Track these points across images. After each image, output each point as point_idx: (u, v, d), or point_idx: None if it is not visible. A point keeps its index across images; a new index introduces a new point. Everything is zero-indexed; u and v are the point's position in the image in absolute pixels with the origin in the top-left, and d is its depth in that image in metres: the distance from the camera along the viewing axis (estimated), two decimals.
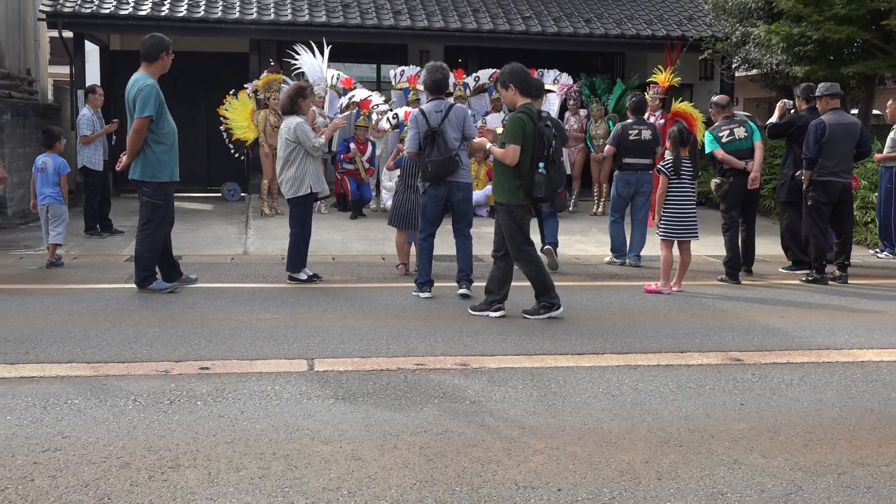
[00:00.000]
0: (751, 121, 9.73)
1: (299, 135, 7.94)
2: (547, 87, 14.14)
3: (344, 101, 13.59)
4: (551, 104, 13.95)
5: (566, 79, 14.45)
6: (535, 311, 6.80)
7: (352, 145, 12.90)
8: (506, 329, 6.42)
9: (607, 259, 9.89)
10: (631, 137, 9.70)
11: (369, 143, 13.10)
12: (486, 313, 6.83)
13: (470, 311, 6.92)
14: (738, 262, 8.85)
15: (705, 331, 6.51)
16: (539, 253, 7.77)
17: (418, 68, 14.69)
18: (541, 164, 6.56)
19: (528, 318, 6.74)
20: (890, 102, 10.91)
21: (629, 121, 9.91)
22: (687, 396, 4.83)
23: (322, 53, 13.53)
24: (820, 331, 6.60)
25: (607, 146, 10.59)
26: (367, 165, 12.94)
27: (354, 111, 13.40)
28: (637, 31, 15.34)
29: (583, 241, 11.16)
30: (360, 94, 13.62)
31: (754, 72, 15.01)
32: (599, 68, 15.55)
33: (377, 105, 13.48)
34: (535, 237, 7.58)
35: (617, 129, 10.09)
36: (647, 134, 9.70)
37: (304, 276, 8.19)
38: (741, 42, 13.99)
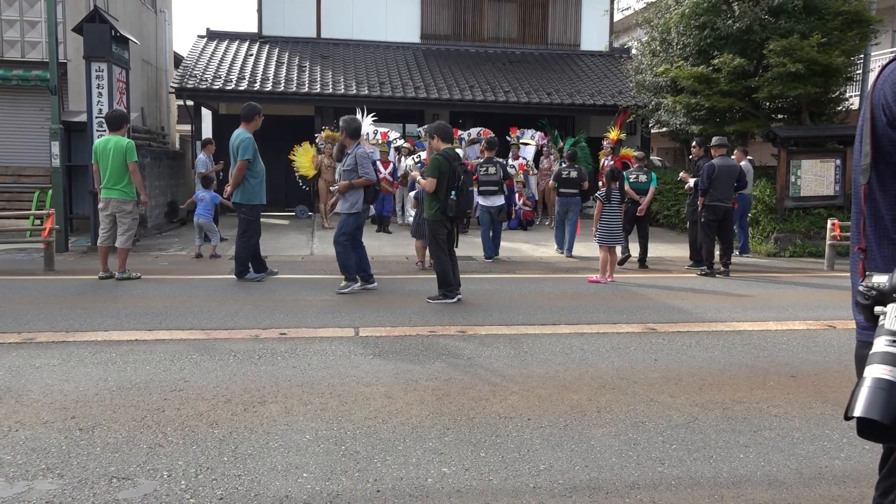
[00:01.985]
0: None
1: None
2: (524, 141, 14.23)
3: (371, 136, 13.58)
4: (528, 152, 14.02)
5: (539, 136, 14.50)
6: (435, 297, 6.55)
7: (378, 164, 12.75)
8: (491, 307, 6.40)
9: (555, 248, 10.23)
10: (563, 176, 10.06)
11: (390, 163, 12.99)
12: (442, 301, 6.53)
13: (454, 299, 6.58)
14: (626, 253, 9.30)
15: (630, 309, 6.49)
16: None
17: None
18: (453, 193, 6.43)
19: (430, 303, 6.44)
20: (735, 152, 10.35)
21: (564, 165, 10.25)
22: (618, 354, 4.82)
23: (365, 116, 13.59)
24: (710, 309, 6.58)
25: (549, 181, 10.87)
26: (390, 179, 12.79)
27: (379, 141, 13.56)
28: (583, 101, 15.30)
29: (545, 247, 11.12)
30: (395, 137, 13.76)
31: (664, 129, 14.98)
32: (557, 126, 15.56)
33: (394, 139, 13.61)
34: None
35: (556, 171, 10.37)
36: (574, 174, 10.01)
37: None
38: (655, 109, 13.97)
